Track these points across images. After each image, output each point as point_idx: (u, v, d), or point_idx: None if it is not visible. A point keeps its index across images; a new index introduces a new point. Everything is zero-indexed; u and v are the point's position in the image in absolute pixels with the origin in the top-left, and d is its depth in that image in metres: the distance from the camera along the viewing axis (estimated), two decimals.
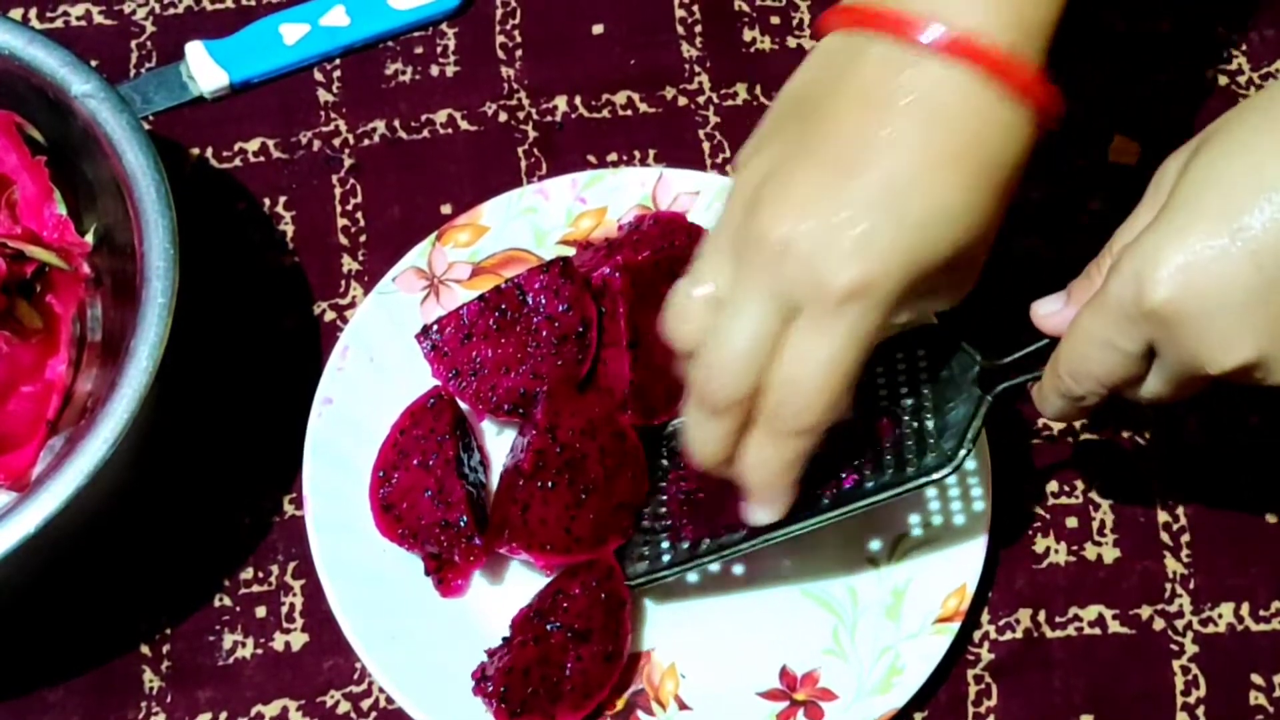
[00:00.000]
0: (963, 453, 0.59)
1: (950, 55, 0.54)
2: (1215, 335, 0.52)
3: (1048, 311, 0.59)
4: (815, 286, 0.54)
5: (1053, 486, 0.70)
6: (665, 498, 0.65)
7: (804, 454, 0.57)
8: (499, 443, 0.69)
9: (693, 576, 0.66)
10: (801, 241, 0.54)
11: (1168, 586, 0.68)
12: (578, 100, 0.77)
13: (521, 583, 0.65)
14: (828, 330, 0.54)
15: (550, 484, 0.63)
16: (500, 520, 0.63)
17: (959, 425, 0.60)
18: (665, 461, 0.66)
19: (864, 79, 0.55)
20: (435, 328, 0.66)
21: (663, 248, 0.68)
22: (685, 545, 0.63)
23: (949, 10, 0.54)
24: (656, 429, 0.67)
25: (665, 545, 0.64)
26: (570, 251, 0.71)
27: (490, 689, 0.62)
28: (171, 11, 0.79)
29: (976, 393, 0.61)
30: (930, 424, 0.61)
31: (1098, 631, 0.67)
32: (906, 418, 0.62)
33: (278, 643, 0.67)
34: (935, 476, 0.59)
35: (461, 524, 0.63)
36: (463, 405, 0.67)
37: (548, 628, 0.63)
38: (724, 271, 0.56)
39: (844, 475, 0.61)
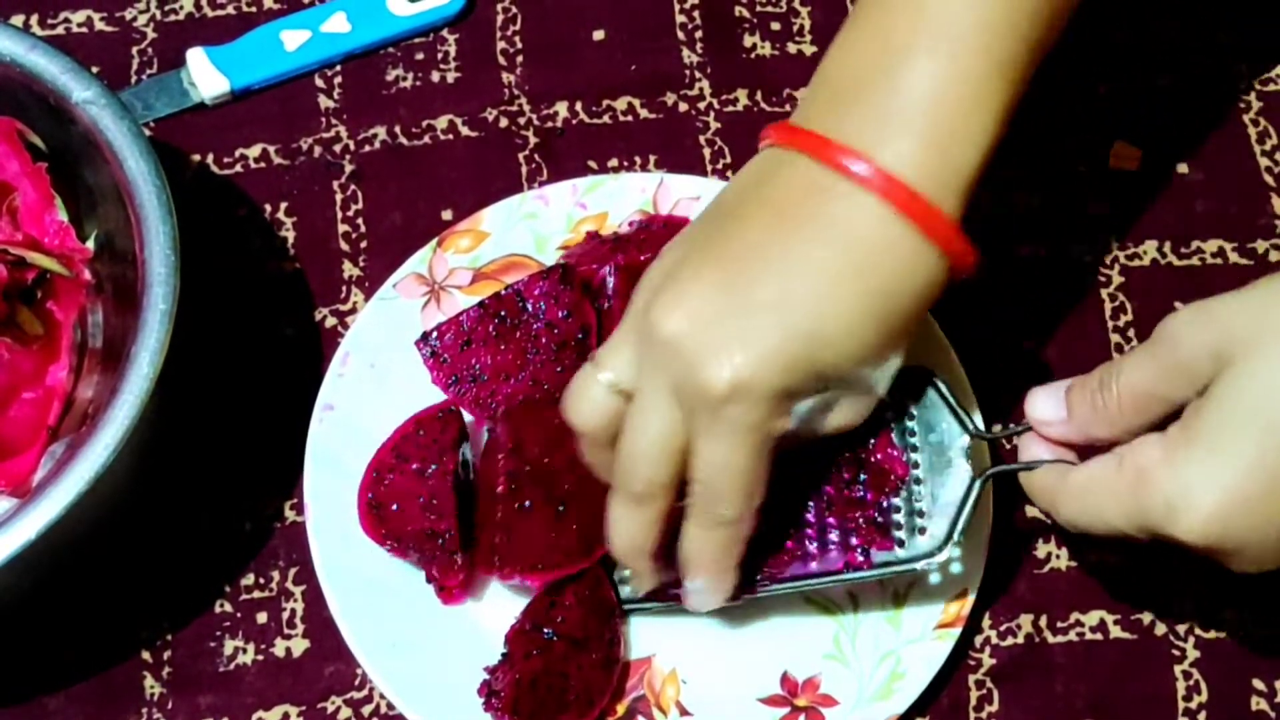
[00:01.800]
0: (950, 545, 0.60)
1: (876, 192, 0.54)
2: (1243, 561, 0.54)
3: (1045, 418, 0.59)
4: (696, 387, 0.54)
5: None
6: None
7: (736, 542, 0.59)
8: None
9: None
10: (685, 341, 0.54)
11: (1170, 591, 0.68)
12: (578, 106, 0.77)
13: (522, 590, 0.65)
14: (716, 433, 0.55)
15: (527, 503, 0.63)
16: (487, 547, 0.63)
17: (949, 506, 0.60)
18: None
19: (784, 193, 0.56)
20: (435, 334, 0.66)
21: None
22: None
23: (881, 148, 0.55)
24: None
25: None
26: (575, 246, 0.71)
27: (500, 704, 0.61)
28: (172, 18, 0.79)
29: (967, 472, 0.61)
30: (921, 493, 0.61)
31: (1099, 637, 0.67)
32: (900, 484, 0.62)
33: (279, 649, 0.67)
34: (920, 566, 0.60)
35: (446, 537, 0.63)
36: (467, 417, 0.67)
37: (547, 638, 0.62)
38: (627, 361, 0.57)
39: (825, 547, 0.62)
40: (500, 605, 0.66)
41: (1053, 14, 0.57)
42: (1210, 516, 0.52)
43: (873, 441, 0.62)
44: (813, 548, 0.62)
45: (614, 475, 0.59)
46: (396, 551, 0.64)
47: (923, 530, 0.61)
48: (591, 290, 0.67)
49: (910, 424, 0.63)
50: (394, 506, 0.64)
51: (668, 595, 0.63)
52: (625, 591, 0.64)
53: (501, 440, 0.64)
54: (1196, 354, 0.53)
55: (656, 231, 0.70)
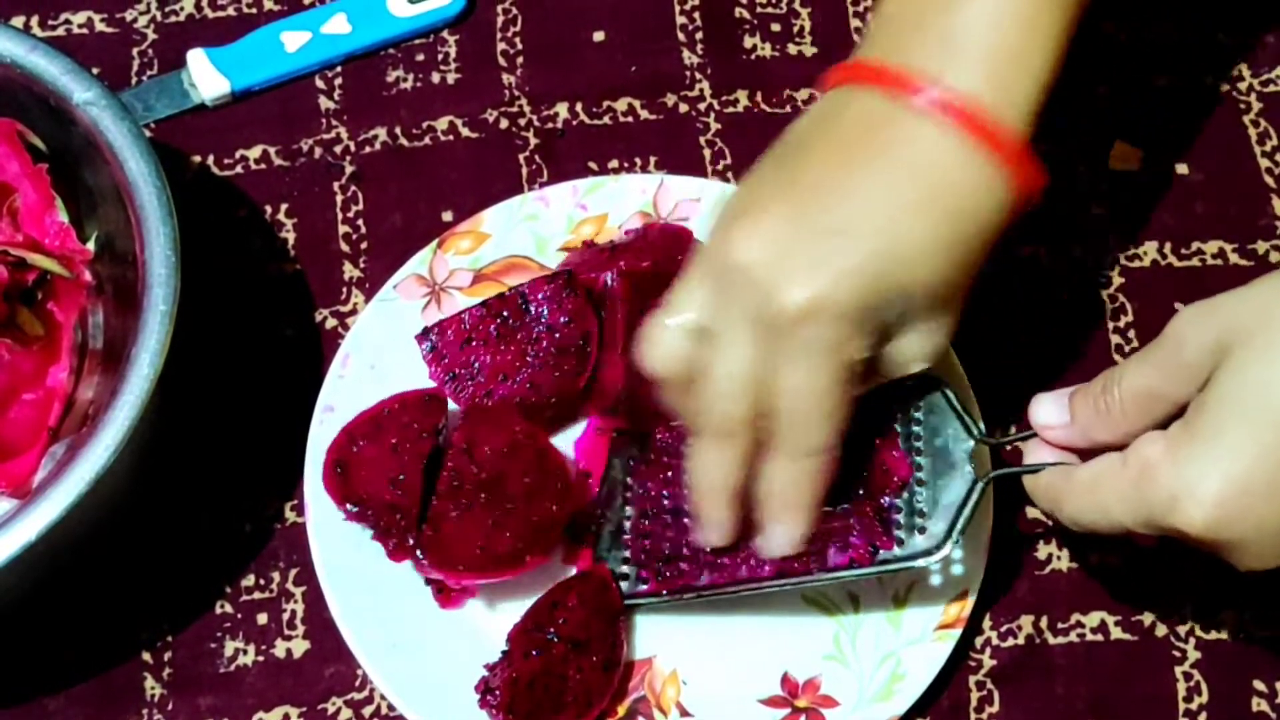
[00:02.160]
0: (949, 544, 0.60)
1: (942, 116, 0.55)
2: (1247, 555, 0.53)
3: (1049, 423, 0.59)
4: (774, 310, 0.55)
5: None
6: (628, 537, 0.65)
7: (820, 472, 0.58)
8: None
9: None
10: (760, 268, 0.55)
11: (1170, 593, 0.68)
12: (579, 107, 0.77)
13: (521, 592, 0.65)
14: (794, 355, 0.55)
15: (466, 503, 0.63)
16: (418, 540, 0.63)
17: (950, 508, 0.61)
18: (630, 494, 0.66)
19: (851, 125, 0.57)
20: (436, 330, 0.66)
21: (664, 259, 0.68)
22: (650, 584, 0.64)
23: (947, 74, 0.56)
24: (645, 436, 0.67)
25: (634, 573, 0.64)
26: (572, 254, 0.71)
27: (496, 701, 0.62)
28: (173, 19, 0.79)
29: (971, 474, 0.61)
30: (923, 495, 0.61)
31: (1100, 638, 0.67)
32: (904, 486, 0.62)
33: (279, 650, 0.67)
34: (919, 564, 0.60)
35: (407, 514, 0.63)
36: (452, 406, 0.67)
37: (548, 639, 0.63)
38: (701, 301, 0.57)
39: (829, 546, 0.62)
40: (502, 607, 0.66)
41: None
42: (1213, 508, 0.52)
43: (879, 443, 0.62)
44: (816, 544, 0.62)
45: (696, 416, 0.59)
46: (353, 516, 0.64)
47: (923, 530, 0.61)
48: (594, 297, 0.67)
49: (916, 429, 0.63)
50: (362, 472, 0.64)
51: (675, 591, 0.63)
52: (624, 587, 0.64)
53: (455, 440, 0.64)
54: (1199, 351, 0.53)
55: (653, 238, 0.70)
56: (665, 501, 0.65)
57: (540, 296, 0.66)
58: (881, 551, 0.61)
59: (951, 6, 0.57)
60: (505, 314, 0.66)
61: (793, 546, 0.61)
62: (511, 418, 0.65)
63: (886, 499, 0.62)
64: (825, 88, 0.59)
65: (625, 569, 0.65)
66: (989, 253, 0.58)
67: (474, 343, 0.66)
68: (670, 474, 0.65)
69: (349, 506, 0.64)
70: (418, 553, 0.62)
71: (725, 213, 0.58)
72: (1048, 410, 0.59)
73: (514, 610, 0.65)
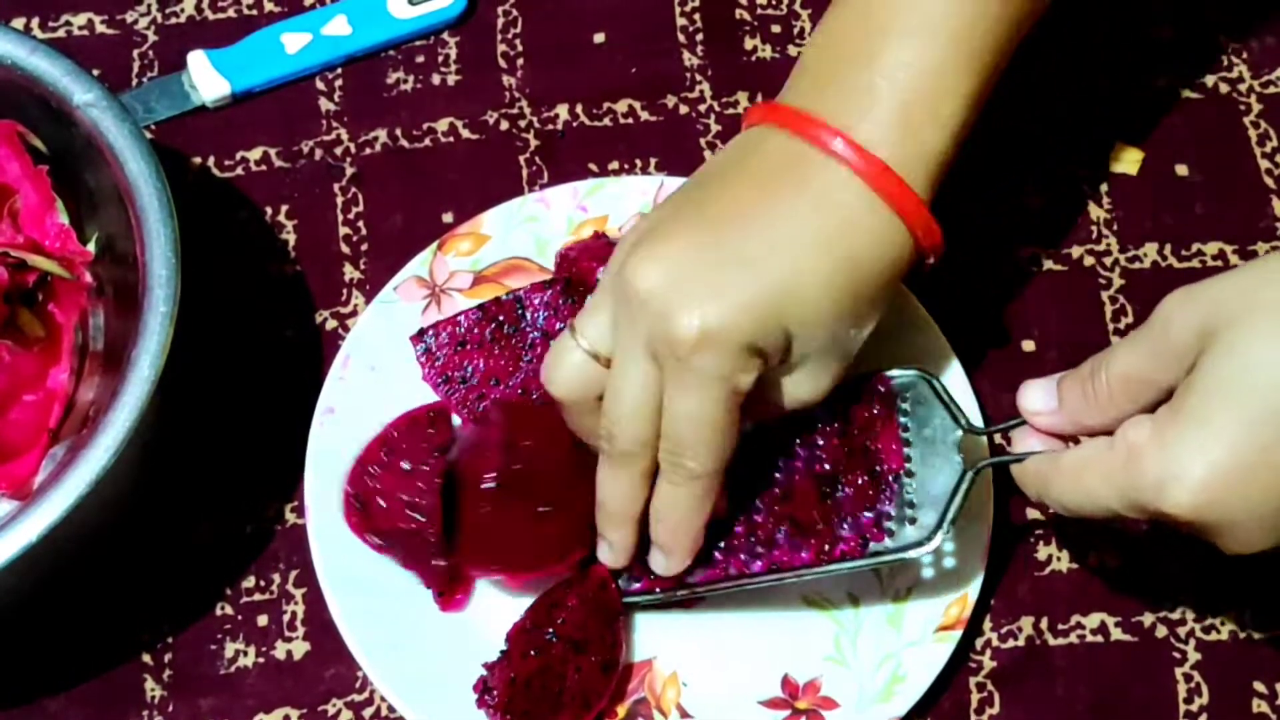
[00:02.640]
0: (940, 535, 0.60)
1: (849, 165, 0.57)
2: (1233, 538, 0.54)
3: (1037, 409, 0.59)
4: (668, 338, 0.55)
5: None
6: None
7: (702, 498, 0.59)
8: None
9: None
10: (658, 294, 0.56)
11: (1170, 594, 0.68)
12: (579, 109, 0.77)
13: (523, 592, 0.65)
14: (685, 383, 0.56)
15: (506, 500, 0.63)
16: (464, 539, 0.63)
17: (940, 498, 0.61)
18: None
19: (764, 163, 0.58)
20: (431, 331, 0.66)
21: None
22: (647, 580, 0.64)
23: (856, 127, 0.57)
24: None
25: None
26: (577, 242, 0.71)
27: (494, 700, 0.62)
28: (173, 21, 0.79)
29: (959, 465, 0.61)
30: (912, 487, 0.62)
31: (1100, 639, 0.67)
32: (893, 477, 0.62)
33: (279, 651, 0.67)
34: (909, 556, 0.60)
35: (430, 538, 0.63)
36: (456, 420, 0.67)
37: (547, 639, 0.62)
38: (603, 324, 0.58)
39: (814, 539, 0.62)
40: (502, 608, 0.66)
41: (1028, 5, 0.59)
42: (1199, 491, 0.52)
43: (878, 431, 0.63)
44: (806, 539, 0.62)
45: (600, 438, 0.60)
46: (378, 548, 0.64)
47: (913, 521, 0.61)
48: (586, 294, 0.67)
49: (904, 419, 0.63)
50: (379, 502, 0.64)
51: (668, 588, 0.63)
52: (619, 584, 0.64)
53: (495, 435, 0.64)
54: (1185, 334, 0.54)
55: None
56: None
57: (537, 301, 0.66)
58: (872, 544, 0.61)
59: (870, 54, 0.58)
60: (501, 318, 0.66)
61: (676, 567, 0.62)
62: (549, 412, 0.65)
63: (876, 491, 0.62)
64: (745, 124, 0.61)
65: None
66: (883, 304, 0.59)
67: (468, 346, 0.66)
68: None
69: (374, 539, 0.64)
70: (465, 549, 0.62)
71: (630, 238, 0.59)
72: (1036, 396, 0.59)
73: (513, 611, 0.65)
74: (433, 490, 0.64)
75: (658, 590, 0.64)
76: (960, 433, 0.62)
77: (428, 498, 0.63)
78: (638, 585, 0.64)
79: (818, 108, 0.58)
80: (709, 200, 0.58)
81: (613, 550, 0.63)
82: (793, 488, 0.63)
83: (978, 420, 0.67)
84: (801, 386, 0.59)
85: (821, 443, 0.63)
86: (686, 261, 0.56)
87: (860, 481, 0.62)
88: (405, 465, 0.65)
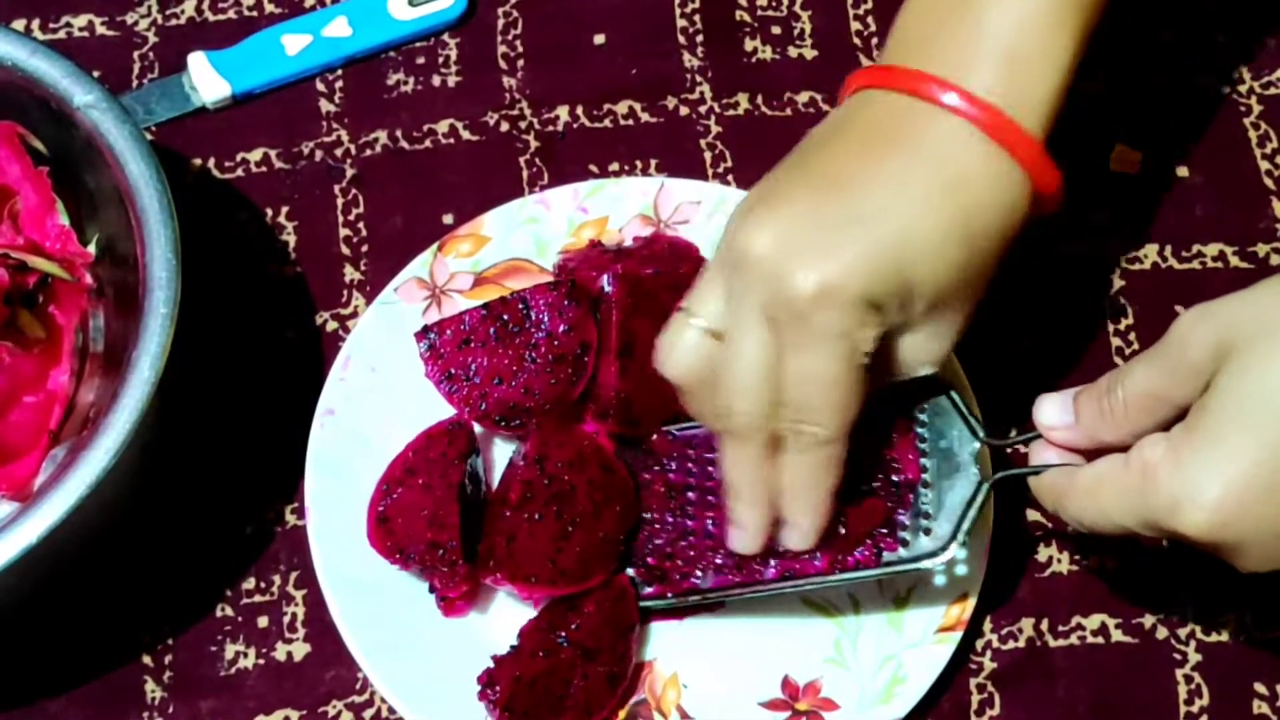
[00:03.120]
0: (954, 546, 0.60)
1: (962, 115, 0.56)
2: (1248, 558, 0.54)
3: (1052, 424, 0.59)
4: (786, 298, 0.55)
5: None
6: (660, 541, 0.65)
7: (831, 463, 0.58)
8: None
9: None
10: (772, 257, 0.55)
11: (1171, 595, 0.68)
12: (579, 110, 0.77)
13: (522, 599, 0.65)
14: (805, 342, 0.55)
15: (537, 515, 0.63)
16: (486, 550, 0.63)
17: (955, 509, 0.61)
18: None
19: (873, 123, 0.58)
20: (435, 329, 0.66)
21: (667, 270, 0.68)
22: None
23: (966, 78, 0.57)
24: (639, 441, 0.67)
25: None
26: (575, 252, 0.71)
27: (495, 695, 0.61)
28: (174, 22, 0.79)
29: (975, 476, 0.61)
30: (928, 497, 0.62)
31: (1101, 640, 0.67)
32: (909, 487, 0.62)
33: (279, 653, 0.67)
34: (924, 566, 0.60)
35: (449, 547, 0.63)
36: (477, 429, 0.67)
37: (558, 642, 0.62)
38: (715, 299, 0.58)
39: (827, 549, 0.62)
40: (503, 612, 0.66)
41: None
42: (1214, 511, 0.52)
43: (892, 440, 0.63)
44: (821, 546, 0.62)
45: (716, 419, 0.59)
46: (402, 564, 0.64)
47: (928, 531, 0.61)
48: (590, 299, 0.67)
49: (921, 430, 0.63)
50: (400, 521, 0.64)
51: (680, 593, 0.63)
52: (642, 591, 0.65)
53: (527, 450, 0.64)
54: (1200, 353, 0.54)
55: (659, 249, 0.70)
56: (670, 503, 0.65)
57: (542, 303, 0.66)
58: (886, 553, 0.61)
59: (968, 13, 0.58)
60: (505, 317, 0.66)
61: (808, 540, 0.60)
62: (580, 431, 0.65)
63: (892, 501, 0.62)
64: (844, 94, 0.60)
65: (630, 573, 0.65)
66: (1002, 255, 0.58)
67: (472, 344, 0.66)
68: (671, 478, 0.65)
69: (399, 556, 0.64)
70: (490, 561, 0.62)
71: (739, 210, 0.58)
72: (1052, 411, 0.59)
73: (514, 614, 0.65)
74: (450, 499, 0.64)
75: (670, 595, 0.64)
76: (977, 445, 0.62)
77: (445, 507, 0.64)
78: (650, 590, 0.64)
79: (924, 63, 0.57)
80: (817, 163, 0.58)
81: (746, 534, 0.61)
82: None
83: (984, 426, 0.67)
84: (924, 348, 0.59)
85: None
86: (799, 223, 0.56)
87: (877, 491, 0.62)
88: (424, 481, 0.65)
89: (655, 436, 0.66)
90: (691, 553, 0.64)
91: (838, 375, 0.56)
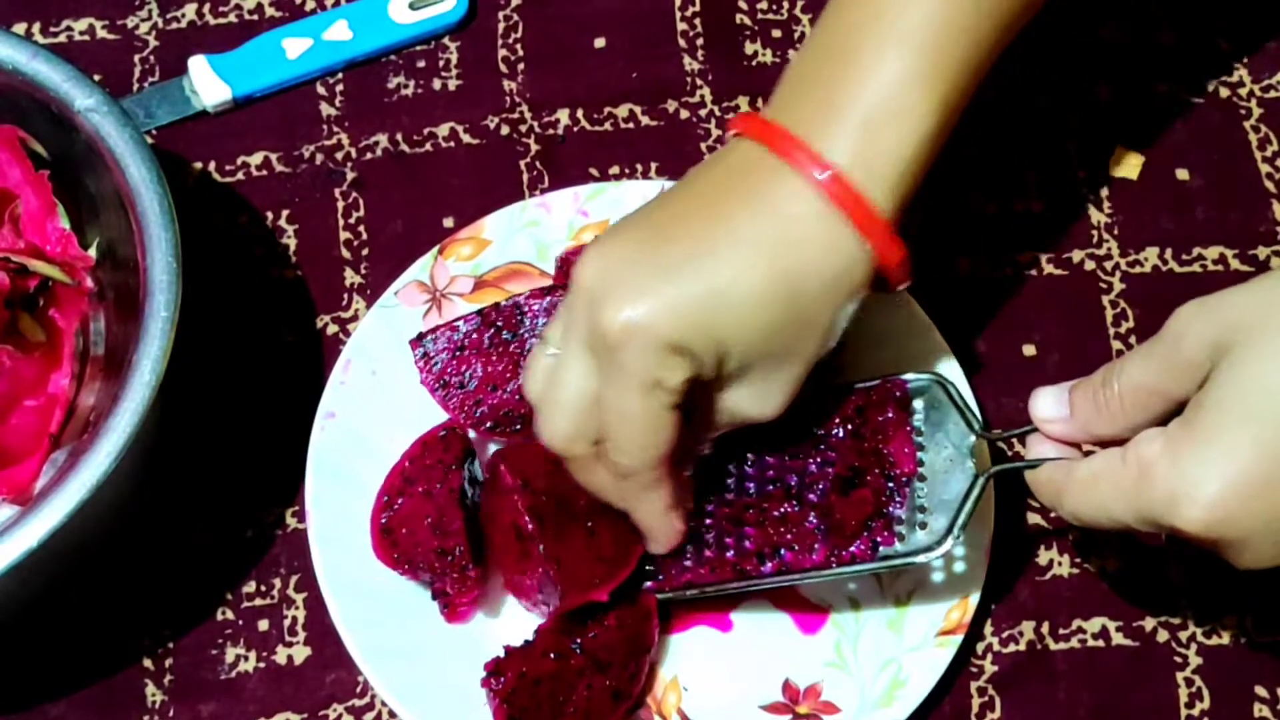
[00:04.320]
0: (951, 540, 0.60)
1: (807, 176, 0.56)
2: (1246, 554, 0.54)
3: (1048, 417, 0.59)
4: (599, 331, 0.56)
5: None
6: None
7: (647, 488, 0.59)
8: None
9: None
10: (595, 289, 0.56)
11: (1171, 598, 0.68)
12: (579, 113, 0.77)
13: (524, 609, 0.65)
14: (614, 378, 0.56)
15: (560, 529, 0.62)
16: (543, 583, 0.62)
17: (951, 503, 0.61)
18: None
19: (725, 170, 0.58)
20: (430, 336, 0.66)
21: None
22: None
23: (822, 137, 0.56)
24: None
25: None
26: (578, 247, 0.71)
27: (498, 686, 0.61)
28: (174, 26, 0.79)
29: (972, 469, 0.61)
30: (924, 491, 0.62)
31: (1101, 643, 0.67)
32: (905, 481, 0.62)
33: (280, 656, 0.67)
34: (920, 560, 0.60)
35: (457, 553, 0.63)
36: (471, 434, 0.67)
37: (571, 647, 0.62)
38: (558, 323, 0.59)
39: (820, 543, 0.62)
40: (504, 613, 0.66)
41: (1006, 18, 0.58)
42: (1212, 507, 0.52)
43: (890, 435, 0.63)
44: (818, 541, 0.62)
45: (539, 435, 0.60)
46: (409, 573, 0.64)
47: (924, 525, 0.61)
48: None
49: (917, 423, 0.63)
50: (404, 530, 0.64)
51: (678, 587, 0.63)
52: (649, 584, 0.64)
53: (508, 480, 0.63)
54: (1198, 348, 0.53)
55: None
56: None
57: (536, 308, 0.66)
58: (883, 547, 0.61)
59: (840, 72, 0.57)
60: (500, 324, 0.66)
61: (663, 547, 0.62)
62: (534, 443, 0.65)
63: (886, 494, 0.62)
64: (729, 133, 0.60)
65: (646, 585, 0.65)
66: (830, 327, 0.58)
67: (467, 351, 0.66)
68: None
69: (406, 567, 0.64)
70: (556, 593, 0.62)
71: (591, 242, 0.59)
72: (1047, 404, 0.59)
73: (516, 618, 0.65)
74: (452, 504, 0.64)
75: (667, 589, 0.64)
76: (973, 438, 0.62)
77: (449, 513, 0.64)
78: (648, 585, 0.64)
79: (786, 118, 0.57)
80: (666, 206, 0.59)
81: (649, 538, 0.63)
82: (804, 491, 0.63)
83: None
84: (749, 402, 0.59)
85: (834, 446, 0.63)
86: (626, 260, 0.56)
87: (872, 485, 0.62)
88: (423, 489, 0.65)
89: None
90: (689, 549, 0.64)
91: (641, 413, 0.57)
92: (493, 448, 0.69)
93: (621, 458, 0.58)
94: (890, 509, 0.61)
